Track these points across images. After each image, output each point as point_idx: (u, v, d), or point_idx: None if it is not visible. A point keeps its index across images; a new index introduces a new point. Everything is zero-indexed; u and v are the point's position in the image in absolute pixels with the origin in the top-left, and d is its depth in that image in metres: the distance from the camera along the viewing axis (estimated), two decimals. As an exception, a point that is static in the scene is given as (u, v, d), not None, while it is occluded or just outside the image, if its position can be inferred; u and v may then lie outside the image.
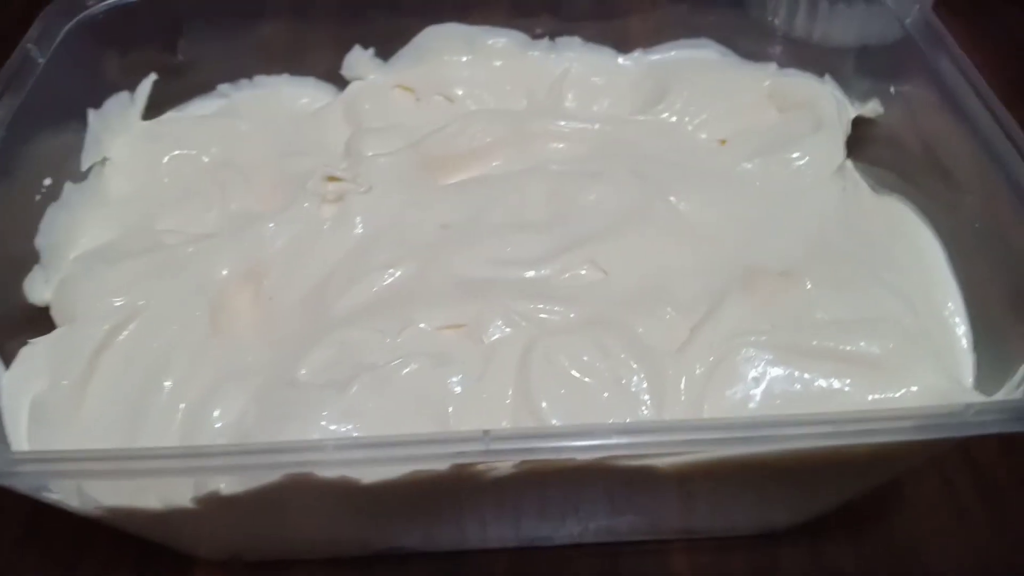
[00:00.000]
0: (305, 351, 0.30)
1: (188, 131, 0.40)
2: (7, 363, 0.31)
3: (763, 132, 0.38)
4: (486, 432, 0.23)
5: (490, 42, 0.42)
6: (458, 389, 0.28)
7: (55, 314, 0.33)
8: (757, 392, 0.28)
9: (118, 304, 0.32)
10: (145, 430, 0.29)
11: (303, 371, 0.29)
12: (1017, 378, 0.29)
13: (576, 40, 0.42)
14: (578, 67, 0.41)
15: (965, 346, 0.32)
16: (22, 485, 0.26)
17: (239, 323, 0.32)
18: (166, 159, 0.39)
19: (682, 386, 0.28)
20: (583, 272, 0.32)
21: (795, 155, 0.36)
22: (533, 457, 0.24)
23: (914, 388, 0.28)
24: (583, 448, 0.23)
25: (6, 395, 0.30)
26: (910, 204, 0.36)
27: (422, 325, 0.30)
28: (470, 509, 0.30)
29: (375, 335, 0.30)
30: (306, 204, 0.34)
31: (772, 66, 0.42)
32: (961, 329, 0.32)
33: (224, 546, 0.35)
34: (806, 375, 0.28)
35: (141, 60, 0.41)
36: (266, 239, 0.34)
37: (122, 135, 0.40)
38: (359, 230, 0.34)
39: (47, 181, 0.36)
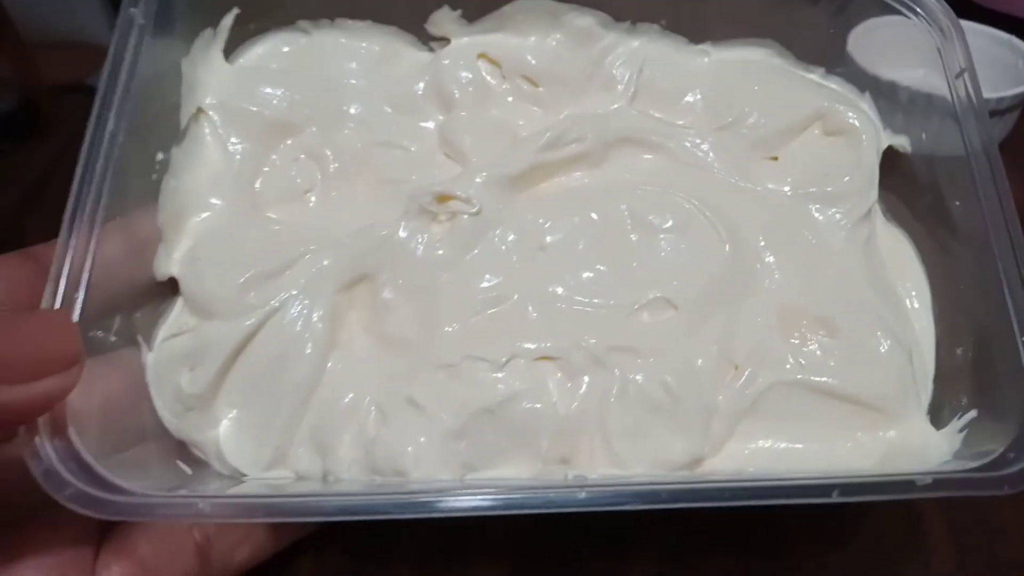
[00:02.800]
0: (422, 372, 0.33)
1: (277, 84, 0.39)
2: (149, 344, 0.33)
3: (810, 156, 0.40)
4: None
5: (576, 21, 0.40)
6: (549, 422, 0.32)
7: (184, 291, 0.34)
8: (781, 427, 0.33)
9: (248, 302, 0.33)
10: (276, 428, 0.33)
11: (418, 392, 0.32)
12: (960, 424, 0.34)
13: (654, 27, 0.42)
14: (652, 61, 0.41)
15: (929, 380, 0.37)
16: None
17: (353, 331, 0.35)
18: (256, 109, 0.38)
19: (724, 426, 0.33)
20: (660, 308, 0.34)
21: (835, 189, 0.39)
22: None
23: (892, 433, 0.34)
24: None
25: (151, 374, 0.33)
26: (911, 243, 0.40)
27: (522, 361, 0.33)
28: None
29: (481, 364, 0.32)
30: (417, 219, 0.35)
31: (820, 71, 0.43)
32: (929, 366, 0.37)
33: None
34: (821, 415, 0.33)
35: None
36: (378, 245, 0.35)
37: (211, 79, 0.38)
38: (468, 254, 0.35)
39: (159, 156, 0.35)
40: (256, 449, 0.33)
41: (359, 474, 0.32)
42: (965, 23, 0.41)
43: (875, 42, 0.42)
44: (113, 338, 0.32)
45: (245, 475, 0.33)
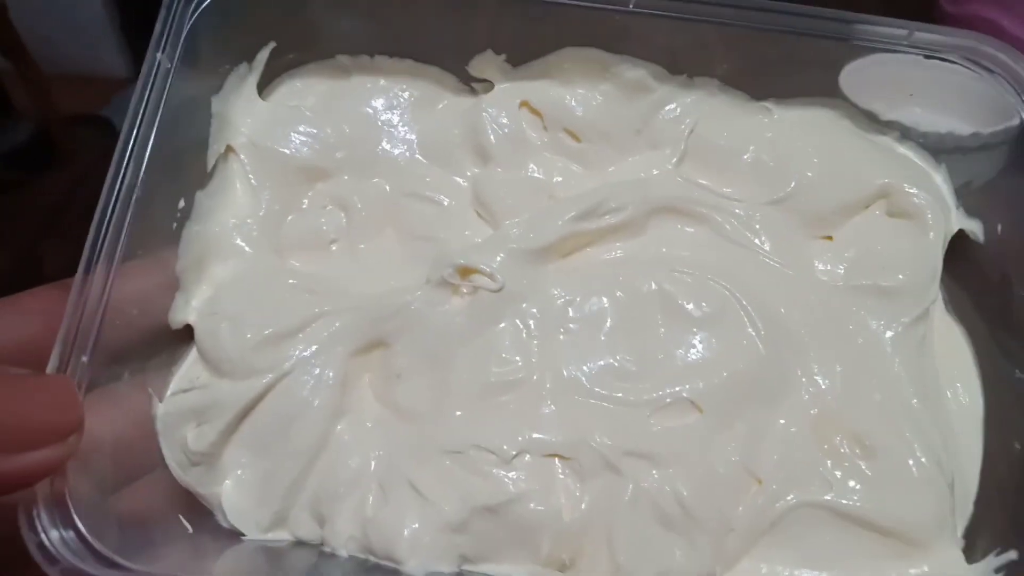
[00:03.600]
0: (427, 454, 0.32)
1: (310, 124, 0.37)
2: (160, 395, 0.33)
3: (869, 239, 0.37)
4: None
5: (628, 73, 0.37)
6: (553, 526, 0.30)
7: (198, 345, 0.33)
8: (802, 551, 0.31)
9: (260, 363, 0.32)
10: (278, 492, 0.32)
11: (422, 477, 0.31)
12: (996, 563, 0.32)
13: (713, 82, 0.39)
14: (708, 118, 0.38)
15: (970, 501, 0.34)
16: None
17: (364, 395, 0.34)
18: (288, 152, 0.36)
19: (740, 544, 0.31)
20: (682, 410, 0.32)
21: (891, 284, 0.35)
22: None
23: (923, 568, 0.31)
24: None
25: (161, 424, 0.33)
26: (969, 341, 0.37)
27: (529, 457, 0.31)
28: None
29: (489, 457, 0.31)
30: (437, 290, 0.33)
31: (895, 134, 0.39)
32: (972, 485, 0.34)
33: None
34: (846, 541, 0.31)
35: (262, 34, 0.37)
36: (396, 312, 0.33)
37: (244, 115, 0.36)
38: (488, 329, 0.33)
39: (181, 203, 0.34)
40: (257, 510, 0.33)
41: (356, 550, 0.31)
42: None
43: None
44: (124, 385, 0.32)
45: (244, 535, 0.32)
